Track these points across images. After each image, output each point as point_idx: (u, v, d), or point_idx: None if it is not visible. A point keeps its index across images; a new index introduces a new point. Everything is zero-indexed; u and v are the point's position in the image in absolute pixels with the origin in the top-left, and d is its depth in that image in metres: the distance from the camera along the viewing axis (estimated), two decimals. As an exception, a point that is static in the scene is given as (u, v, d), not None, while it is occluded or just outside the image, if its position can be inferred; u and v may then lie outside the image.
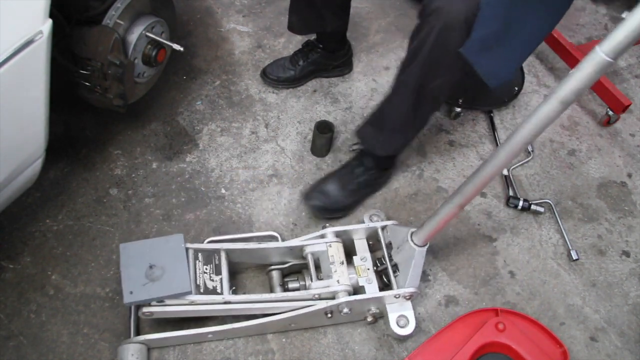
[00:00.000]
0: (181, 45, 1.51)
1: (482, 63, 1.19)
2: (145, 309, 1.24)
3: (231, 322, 1.33)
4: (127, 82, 1.46)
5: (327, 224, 1.45)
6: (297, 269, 1.44)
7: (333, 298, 1.32)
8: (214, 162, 1.71)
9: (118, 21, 1.39)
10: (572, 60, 1.98)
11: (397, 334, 1.34)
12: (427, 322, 1.46)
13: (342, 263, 1.36)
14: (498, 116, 1.94)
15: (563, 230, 1.66)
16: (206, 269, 1.31)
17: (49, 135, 1.23)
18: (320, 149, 1.75)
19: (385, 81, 1.99)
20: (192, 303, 1.25)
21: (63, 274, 1.44)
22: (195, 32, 2.07)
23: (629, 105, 1.85)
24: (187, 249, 1.30)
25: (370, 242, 1.45)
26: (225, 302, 1.28)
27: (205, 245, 1.36)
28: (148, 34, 1.47)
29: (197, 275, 1.29)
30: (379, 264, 1.40)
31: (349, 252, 1.43)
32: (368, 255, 1.42)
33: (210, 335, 1.33)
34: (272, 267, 1.41)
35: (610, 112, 1.90)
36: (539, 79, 2.09)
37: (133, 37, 1.43)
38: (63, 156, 1.66)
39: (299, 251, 1.40)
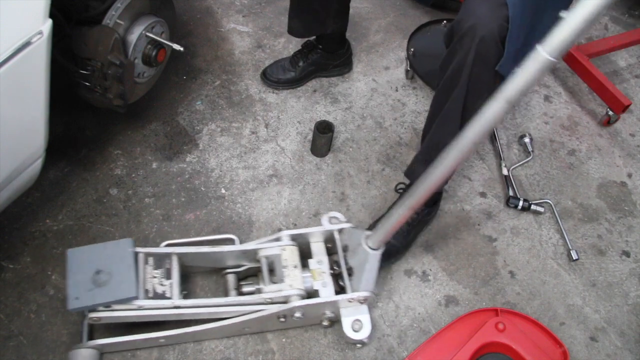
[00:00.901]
0: (181, 45, 1.51)
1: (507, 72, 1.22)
2: (92, 315, 1.22)
3: (185, 327, 1.31)
4: (127, 82, 1.46)
5: (283, 227, 1.42)
6: (254, 273, 1.42)
7: (286, 302, 1.30)
8: (214, 162, 1.71)
9: (118, 21, 1.39)
10: (572, 60, 1.98)
11: (351, 338, 1.32)
12: (427, 322, 1.46)
13: (296, 267, 1.34)
14: (498, 116, 1.94)
15: (563, 230, 1.66)
16: (156, 273, 1.29)
17: (49, 135, 1.23)
18: (320, 149, 1.75)
19: (385, 81, 1.99)
20: (139, 308, 1.24)
21: (63, 274, 1.44)
22: (195, 32, 2.07)
23: (629, 105, 1.85)
24: (137, 254, 1.28)
25: (329, 245, 1.43)
26: (175, 307, 1.27)
27: (156, 249, 1.34)
28: (148, 34, 1.47)
29: (146, 279, 1.27)
30: (335, 268, 1.37)
31: (307, 255, 1.40)
32: (325, 258, 1.39)
33: (162, 340, 1.31)
34: (228, 270, 1.40)
35: (610, 112, 1.90)
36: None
37: (133, 37, 1.43)
38: (63, 156, 1.66)
39: (253, 254, 1.38)
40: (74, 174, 1.63)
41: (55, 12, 1.19)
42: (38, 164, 1.26)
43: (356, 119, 1.87)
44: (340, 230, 1.41)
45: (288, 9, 1.76)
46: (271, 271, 1.36)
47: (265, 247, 1.37)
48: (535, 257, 1.61)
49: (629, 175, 1.84)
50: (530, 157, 1.82)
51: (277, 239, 1.39)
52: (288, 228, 1.58)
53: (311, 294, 1.34)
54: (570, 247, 1.61)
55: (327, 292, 1.33)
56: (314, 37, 1.89)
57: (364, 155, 1.78)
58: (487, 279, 1.55)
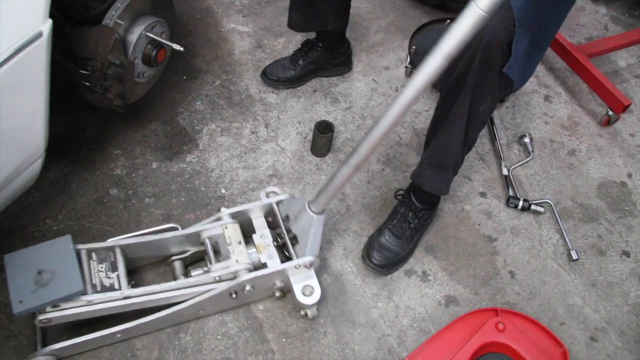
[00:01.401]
0: (181, 45, 1.51)
1: (519, 77, 1.23)
2: (40, 317, 1.19)
3: (139, 318, 1.30)
4: (127, 82, 1.46)
5: (222, 207, 1.45)
6: (199, 257, 1.44)
7: (235, 278, 1.32)
8: (214, 162, 1.71)
9: (118, 21, 1.39)
10: (572, 60, 1.98)
11: (303, 303, 1.34)
12: (427, 322, 1.46)
13: (240, 243, 1.36)
14: (498, 116, 1.94)
15: (563, 230, 1.66)
16: (101, 267, 1.27)
17: (49, 135, 1.23)
18: (320, 149, 1.75)
19: (385, 81, 1.99)
20: (89, 303, 1.22)
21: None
22: (195, 32, 2.07)
23: (629, 105, 1.86)
24: (78, 250, 1.26)
25: (269, 219, 1.45)
26: (125, 298, 1.26)
27: (97, 244, 1.32)
28: (148, 34, 1.47)
29: (92, 274, 1.25)
30: (279, 239, 1.40)
31: (250, 232, 1.42)
32: (267, 232, 1.42)
33: (119, 335, 1.30)
34: (173, 258, 1.41)
35: (610, 112, 1.90)
36: (539, 79, 2.09)
37: (133, 37, 1.43)
38: (63, 156, 1.66)
39: (196, 238, 1.40)
40: (74, 174, 1.63)
41: (55, 12, 1.19)
42: (38, 164, 1.26)
43: (356, 119, 1.87)
44: (279, 202, 1.43)
45: (289, 5, 1.76)
46: (217, 252, 1.38)
47: (207, 228, 1.38)
48: (535, 257, 1.61)
49: (629, 175, 1.84)
50: (530, 157, 1.82)
51: (218, 219, 1.40)
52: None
53: (258, 267, 1.35)
54: (570, 247, 1.61)
55: (274, 263, 1.36)
56: (314, 35, 1.89)
57: (364, 155, 1.78)
58: (487, 279, 1.56)
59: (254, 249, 1.38)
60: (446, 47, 0.96)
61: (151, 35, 1.48)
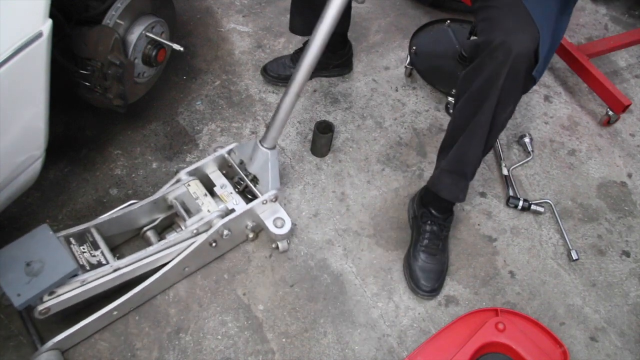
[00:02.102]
0: (181, 45, 1.51)
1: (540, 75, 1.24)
2: (40, 307, 1.20)
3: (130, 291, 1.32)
4: (127, 82, 1.46)
5: (178, 169, 1.50)
6: (168, 224, 1.49)
7: (211, 227, 1.38)
8: (214, 162, 1.71)
9: (118, 21, 1.39)
10: (572, 60, 1.98)
11: (277, 234, 1.43)
12: (427, 322, 1.46)
13: (206, 195, 1.43)
14: (498, 116, 1.94)
15: (563, 230, 1.66)
16: (83, 248, 1.31)
17: (49, 135, 1.23)
18: (320, 149, 1.75)
19: (385, 81, 1.99)
20: (83, 283, 1.24)
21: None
22: (195, 32, 2.07)
23: (629, 105, 1.86)
24: (58, 238, 1.27)
25: (224, 172, 1.51)
26: (116, 270, 1.29)
27: (73, 229, 1.33)
28: (148, 34, 1.47)
29: (78, 256, 1.28)
30: (239, 186, 1.48)
31: (210, 187, 1.48)
32: (226, 181, 1.48)
33: (115, 312, 1.32)
34: (145, 229, 1.44)
35: (610, 112, 1.90)
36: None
37: (133, 37, 1.43)
38: (63, 156, 1.66)
39: (163, 202, 1.44)
40: (74, 174, 1.63)
41: (55, 12, 1.19)
42: (38, 164, 1.26)
43: (356, 119, 1.87)
44: (230, 151, 1.50)
45: (290, 8, 1.76)
46: (187, 211, 1.43)
47: (172, 190, 1.44)
48: (535, 257, 1.61)
49: (629, 175, 1.84)
50: (530, 157, 1.82)
51: (178, 180, 1.46)
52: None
53: (228, 214, 1.41)
54: (570, 247, 1.61)
55: (241, 207, 1.42)
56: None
57: (364, 155, 1.78)
58: (487, 279, 1.56)
59: (219, 200, 1.45)
60: None
61: (151, 35, 1.48)
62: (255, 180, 1.46)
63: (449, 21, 2.06)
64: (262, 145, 1.40)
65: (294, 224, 1.59)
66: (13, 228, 1.49)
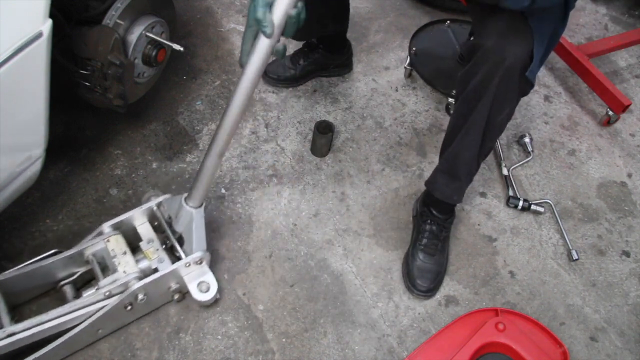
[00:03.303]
0: (181, 45, 1.51)
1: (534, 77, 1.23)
2: None
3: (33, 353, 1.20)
4: (127, 82, 1.46)
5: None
6: (92, 277, 1.36)
7: (126, 290, 1.27)
8: (214, 162, 1.71)
9: (118, 21, 1.39)
10: (571, 60, 1.98)
11: (200, 300, 1.34)
12: (427, 322, 1.46)
13: (125, 253, 1.32)
14: (498, 116, 1.94)
15: (563, 230, 1.66)
16: None
17: (49, 135, 1.23)
18: (320, 149, 1.75)
19: (385, 81, 1.99)
20: None
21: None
22: (195, 32, 2.07)
23: (629, 105, 1.86)
24: None
25: (155, 223, 1.41)
26: (9, 335, 1.16)
27: None
28: (148, 34, 1.47)
29: None
30: (167, 242, 1.38)
31: (137, 240, 1.39)
32: (154, 236, 1.38)
33: None
34: (62, 282, 1.34)
35: (610, 112, 1.90)
36: (539, 79, 2.09)
37: (133, 37, 1.43)
38: (63, 156, 1.66)
39: (80, 257, 1.33)
40: (74, 174, 1.63)
41: (55, 12, 1.19)
42: (38, 164, 1.26)
43: (356, 119, 1.87)
44: (159, 204, 1.40)
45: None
46: (105, 268, 1.34)
47: (89, 245, 1.33)
48: (535, 257, 1.61)
49: (629, 175, 1.84)
50: (530, 157, 1.82)
51: (100, 234, 1.36)
52: (288, 228, 1.59)
53: (150, 274, 1.32)
54: (570, 247, 1.61)
55: (165, 267, 1.32)
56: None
57: (364, 155, 1.78)
58: (487, 279, 1.56)
59: (143, 256, 1.34)
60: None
61: (151, 35, 1.48)
62: (181, 238, 1.35)
63: (448, 21, 2.06)
64: (187, 204, 1.30)
65: (294, 224, 1.59)
66: (13, 228, 1.49)
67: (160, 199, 1.40)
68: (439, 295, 1.51)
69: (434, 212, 1.53)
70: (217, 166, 1.24)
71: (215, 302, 1.40)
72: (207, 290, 1.35)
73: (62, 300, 1.30)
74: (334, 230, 1.60)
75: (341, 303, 1.47)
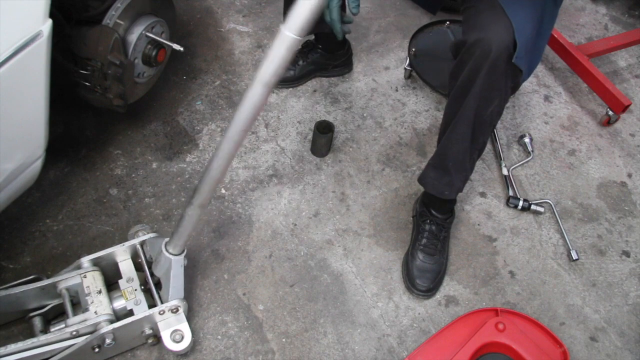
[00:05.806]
0: (181, 45, 1.51)
1: (527, 67, 1.23)
2: None
3: None
4: (127, 82, 1.46)
5: (84, 254, 1.33)
6: (63, 310, 1.28)
7: (95, 331, 1.20)
8: (214, 162, 1.71)
9: (118, 21, 1.39)
10: (572, 60, 1.98)
11: (172, 350, 1.26)
12: (427, 322, 1.46)
13: (100, 292, 1.25)
14: (498, 116, 1.94)
15: (563, 230, 1.66)
16: None
17: (49, 135, 1.23)
18: (320, 149, 1.75)
19: (385, 81, 1.99)
20: None
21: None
22: (195, 32, 2.07)
23: (629, 105, 1.86)
24: None
25: (139, 260, 1.34)
26: None
27: None
28: (148, 34, 1.47)
29: None
30: (146, 283, 1.32)
31: (117, 277, 1.33)
32: (134, 275, 1.32)
33: None
34: (32, 314, 1.27)
35: (610, 112, 1.90)
36: (539, 79, 2.09)
37: (133, 37, 1.43)
38: (63, 156, 1.66)
39: (53, 289, 1.27)
40: (74, 174, 1.63)
41: (55, 12, 1.19)
42: (38, 164, 1.26)
43: (356, 119, 1.87)
44: (143, 243, 1.34)
45: (282, 10, 1.76)
46: (77, 304, 1.28)
47: (64, 279, 1.26)
48: (535, 257, 1.61)
49: (629, 175, 1.84)
50: (530, 157, 1.82)
51: (78, 267, 1.30)
52: (288, 228, 1.59)
53: (125, 315, 1.26)
54: (570, 247, 1.61)
55: (141, 310, 1.25)
56: (313, 37, 1.89)
57: (364, 155, 1.78)
58: (487, 279, 1.56)
59: (121, 295, 1.29)
60: (264, 76, 0.95)
61: (151, 35, 1.48)
62: (159, 284, 1.29)
63: (448, 22, 2.06)
64: (167, 250, 1.24)
65: (294, 224, 1.59)
66: (13, 228, 1.50)
67: (145, 237, 1.34)
68: (438, 295, 1.51)
69: (433, 212, 1.53)
70: (199, 216, 1.19)
71: (191, 350, 1.34)
72: (181, 340, 1.27)
73: (30, 332, 1.25)
74: (334, 230, 1.60)
75: (341, 303, 1.47)
